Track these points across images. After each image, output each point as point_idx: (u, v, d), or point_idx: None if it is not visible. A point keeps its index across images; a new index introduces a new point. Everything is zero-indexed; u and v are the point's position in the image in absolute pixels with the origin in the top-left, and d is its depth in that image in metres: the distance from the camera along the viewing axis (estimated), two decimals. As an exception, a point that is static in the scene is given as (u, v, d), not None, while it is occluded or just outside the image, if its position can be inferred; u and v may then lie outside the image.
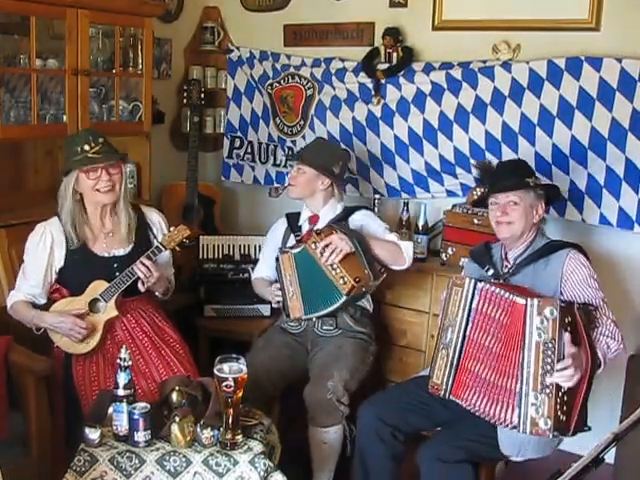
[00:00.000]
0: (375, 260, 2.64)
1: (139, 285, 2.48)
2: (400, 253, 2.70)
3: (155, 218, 2.68)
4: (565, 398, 1.99)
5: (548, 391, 1.97)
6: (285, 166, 3.79)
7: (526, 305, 2.02)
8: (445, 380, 2.19)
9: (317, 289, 2.62)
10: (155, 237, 2.63)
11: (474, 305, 2.16)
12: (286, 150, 3.75)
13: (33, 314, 2.47)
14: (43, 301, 2.53)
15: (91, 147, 2.41)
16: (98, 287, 2.47)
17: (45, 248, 2.49)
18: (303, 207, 2.94)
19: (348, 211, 2.89)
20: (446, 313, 2.24)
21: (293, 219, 2.96)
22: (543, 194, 2.38)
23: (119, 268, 2.49)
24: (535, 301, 2.01)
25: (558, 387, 1.98)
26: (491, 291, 2.14)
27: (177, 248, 2.54)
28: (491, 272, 2.39)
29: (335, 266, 2.55)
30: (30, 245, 2.52)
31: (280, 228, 2.99)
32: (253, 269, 3.11)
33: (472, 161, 3.04)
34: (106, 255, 2.54)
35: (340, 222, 2.73)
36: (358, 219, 2.83)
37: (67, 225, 2.48)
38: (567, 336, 1.99)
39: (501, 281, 2.33)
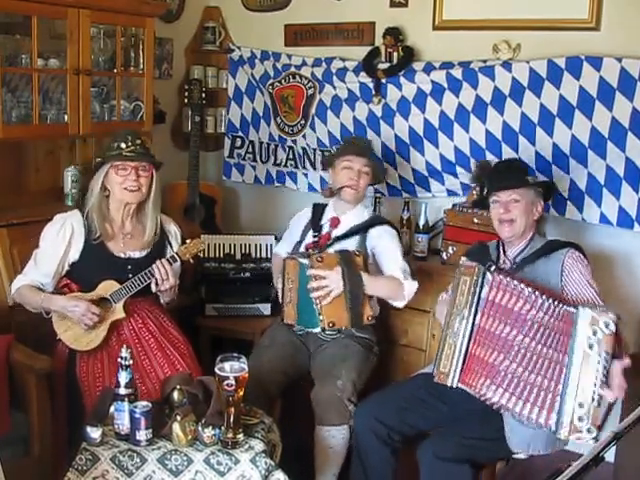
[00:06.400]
0: (370, 300, 2.62)
1: (152, 285, 2.49)
2: (400, 293, 2.64)
3: (172, 228, 2.71)
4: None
5: (596, 402, 1.95)
6: (286, 165, 3.79)
7: (576, 313, 1.99)
8: (453, 368, 2.15)
9: (310, 306, 2.61)
10: (171, 246, 2.65)
11: (483, 294, 2.14)
12: (286, 149, 3.76)
13: (42, 297, 2.46)
14: (50, 289, 2.52)
15: (127, 146, 2.46)
16: (108, 287, 2.47)
17: (64, 238, 2.50)
18: (330, 203, 2.89)
19: (372, 222, 2.82)
20: (453, 303, 2.20)
21: (317, 213, 2.90)
22: (541, 191, 2.43)
23: (132, 270, 2.51)
24: (589, 312, 1.97)
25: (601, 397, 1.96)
26: (499, 279, 2.12)
27: (191, 260, 2.58)
28: (493, 269, 2.38)
29: (317, 301, 2.55)
30: (48, 234, 2.52)
31: (303, 218, 2.95)
32: (254, 269, 3.12)
33: (472, 161, 3.04)
34: (122, 255, 2.55)
35: (351, 251, 2.63)
36: (376, 235, 2.77)
37: (92, 216, 2.50)
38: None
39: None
